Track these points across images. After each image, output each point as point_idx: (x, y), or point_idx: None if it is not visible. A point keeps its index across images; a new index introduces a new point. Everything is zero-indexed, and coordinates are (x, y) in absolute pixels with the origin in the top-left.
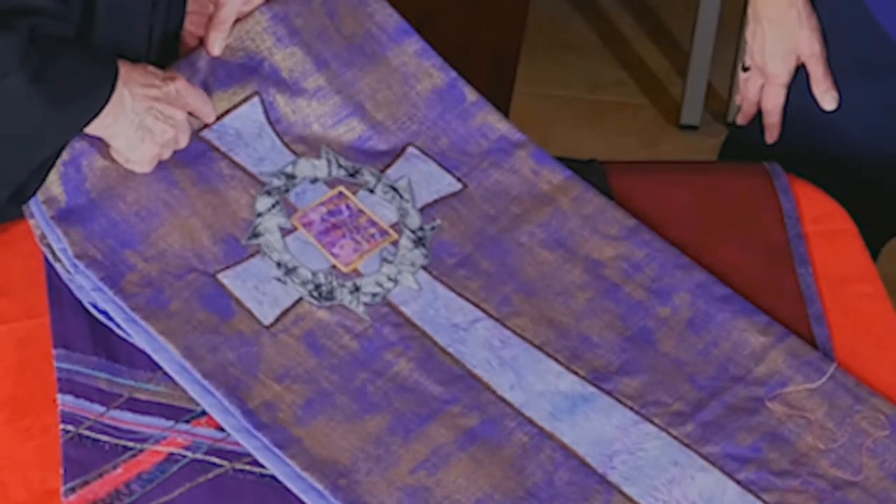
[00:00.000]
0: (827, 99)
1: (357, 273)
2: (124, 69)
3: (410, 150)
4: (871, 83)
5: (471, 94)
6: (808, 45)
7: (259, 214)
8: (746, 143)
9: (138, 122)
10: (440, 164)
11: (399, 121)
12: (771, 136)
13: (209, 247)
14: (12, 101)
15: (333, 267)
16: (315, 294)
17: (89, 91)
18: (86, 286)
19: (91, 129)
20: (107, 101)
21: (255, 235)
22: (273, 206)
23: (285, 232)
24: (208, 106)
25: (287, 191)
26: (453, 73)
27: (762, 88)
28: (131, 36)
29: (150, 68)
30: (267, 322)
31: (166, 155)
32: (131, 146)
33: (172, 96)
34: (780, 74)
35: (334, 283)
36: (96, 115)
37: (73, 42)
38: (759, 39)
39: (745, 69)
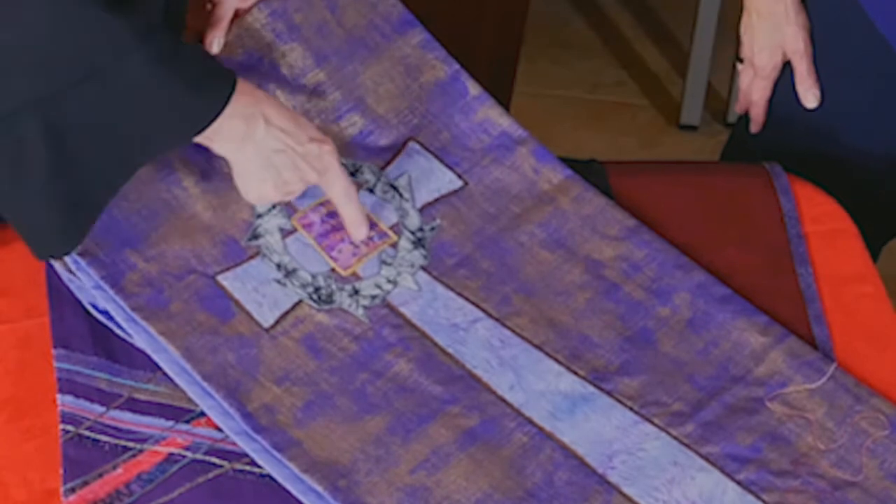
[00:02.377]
0: (809, 97)
1: (356, 276)
2: (263, 101)
3: (411, 144)
4: (866, 82)
5: (473, 88)
6: (793, 41)
7: (259, 216)
8: (748, 144)
9: (266, 159)
10: (441, 160)
11: (401, 114)
12: (755, 125)
13: (209, 248)
14: (131, 84)
15: (332, 270)
16: (315, 297)
17: (212, 85)
18: (87, 284)
19: (217, 147)
20: (227, 101)
21: (255, 237)
22: (273, 206)
23: (285, 233)
24: (350, 206)
25: None
26: (456, 66)
27: (752, 81)
28: None
29: (304, 120)
30: (266, 324)
31: (278, 200)
32: (251, 180)
33: (312, 155)
34: (766, 67)
35: (333, 287)
36: (219, 112)
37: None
38: (749, 32)
39: (741, 61)
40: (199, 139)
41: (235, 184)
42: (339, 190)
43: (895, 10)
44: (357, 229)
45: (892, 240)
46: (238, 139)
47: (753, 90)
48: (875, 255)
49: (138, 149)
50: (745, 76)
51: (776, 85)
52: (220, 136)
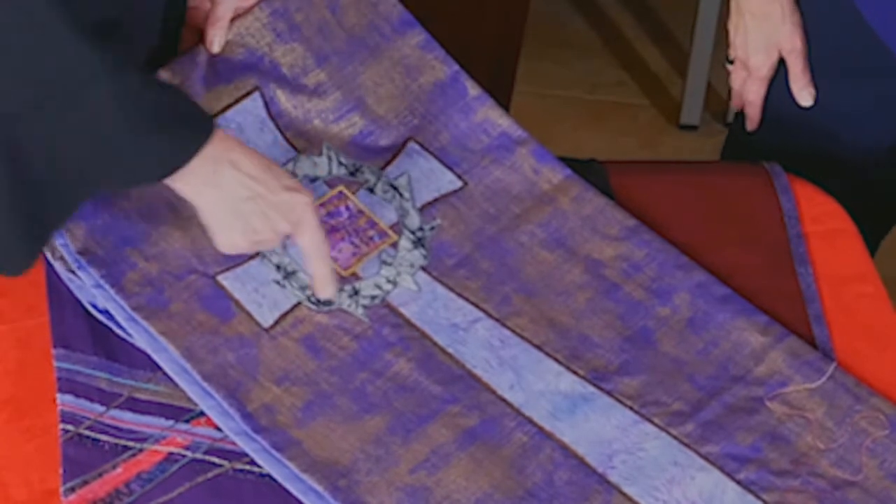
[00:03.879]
0: (804, 95)
1: (356, 276)
2: (233, 147)
3: (411, 144)
4: (863, 80)
5: (472, 89)
6: (789, 40)
7: None
8: (747, 143)
9: (234, 206)
10: (441, 161)
11: (400, 115)
12: (751, 126)
13: (209, 248)
14: (93, 115)
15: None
16: (313, 300)
17: (184, 131)
18: (87, 283)
19: (179, 187)
20: (196, 151)
21: None
22: None
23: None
24: (321, 262)
25: None
26: (456, 67)
27: (745, 81)
28: (142, 33)
29: (278, 170)
30: (266, 325)
31: (250, 250)
32: (219, 226)
33: (283, 206)
34: (762, 67)
35: None
36: (177, 164)
37: (169, 85)
38: (741, 33)
39: (730, 62)
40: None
41: (205, 231)
42: (309, 244)
43: (886, 6)
44: (324, 288)
45: (887, 235)
46: (200, 183)
47: (749, 91)
48: (872, 253)
49: (98, 179)
50: (738, 77)
51: (771, 84)
52: (183, 178)
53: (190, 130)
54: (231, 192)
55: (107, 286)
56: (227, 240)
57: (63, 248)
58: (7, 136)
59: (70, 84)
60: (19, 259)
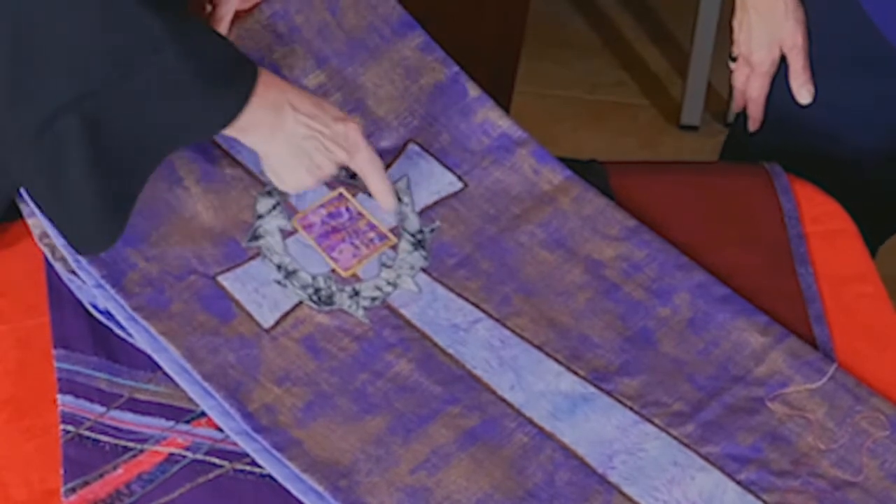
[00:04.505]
0: (803, 92)
1: (356, 278)
2: (287, 89)
3: (411, 146)
4: (865, 79)
5: (472, 90)
6: (791, 36)
7: (259, 216)
8: (746, 143)
9: (297, 146)
10: (441, 162)
11: (400, 116)
12: (753, 125)
13: (210, 249)
14: (166, 78)
15: (333, 271)
16: (315, 298)
17: (238, 75)
18: (87, 283)
19: (249, 139)
20: (252, 90)
21: (256, 237)
22: (273, 207)
23: (285, 234)
24: (378, 176)
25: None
26: (455, 68)
27: (748, 78)
28: None
29: (326, 104)
30: (267, 325)
31: (315, 186)
32: (286, 169)
33: (339, 136)
34: (764, 64)
35: (334, 288)
36: (245, 102)
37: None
38: (745, 29)
39: (733, 59)
40: (231, 132)
41: (268, 175)
42: (366, 164)
43: (890, 4)
44: (385, 199)
45: (889, 238)
46: (269, 130)
47: (751, 87)
48: (873, 253)
49: (170, 139)
50: (740, 74)
51: (772, 84)
52: (252, 128)
53: (243, 73)
54: (294, 134)
55: (107, 286)
56: (295, 180)
57: (64, 248)
58: (87, 120)
59: (142, 52)
60: (106, 236)
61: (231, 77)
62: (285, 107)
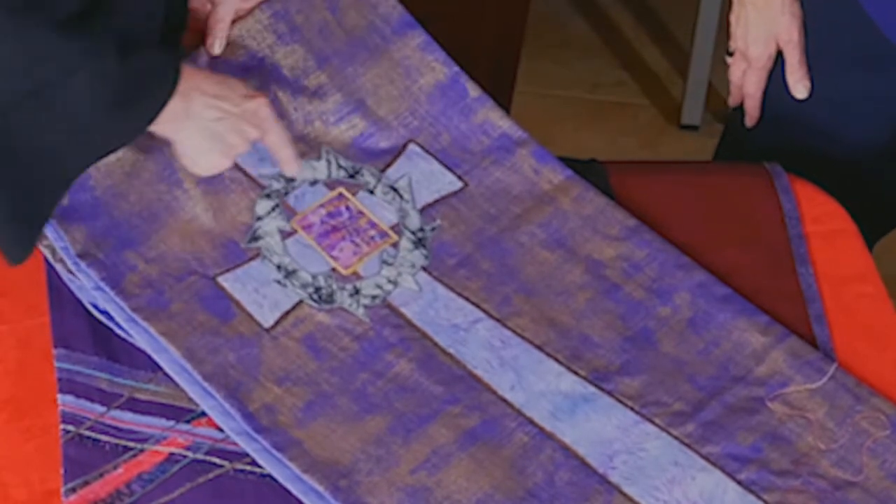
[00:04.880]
0: (799, 88)
1: (357, 276)
2: (193, 75)
3: (411, 147)
4: (861, 75)
5: (473, 90)
6: (787, 31)
7: (259, 218)
8: (743, 141)
9: (209, 129)
10: (441, 162)
11: (401, 116)
12: (750, 120)
13: (209, 250)
14: (76, 100)
15: (333, 269)
16: (315, 297)
17: (151, 94)
18: (87, 285)
19: (159, 129)
20: (162, 106)
21: (255, 239)
22: (273, 209)
23: (285, 235)
24: (288, 148)
25: (286, 193)
26: (456, 68)
27: (745, 73)
28: (143, 36)
29: (232, 81)
30: (267, 325)
31: (228, 165)
32: (199, 152)
33: (249, 113)
34: (761, 58)
35: (334, 286)
36: (153, 119)
37: (140, 42)
38: (742, 23)
39: (730, 54)
40: None
41: (182, 162)
42: (276, 139)
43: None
44: (290, 166)
45: (887, 235)
46: (179, 119)
47: (748, 82)
48: (869, 248)
49: (84, 158)
50: (737, 69)
51: (768, 80)
52: (163, 122)
53: (160, 85)
54: (204, 117)
55: (107, 288)
56: (209, 163)
57: (63, 251)
58: None
59: (51, 75)
60: (18, 249)
61: (148, 85)
62: (192, 93)
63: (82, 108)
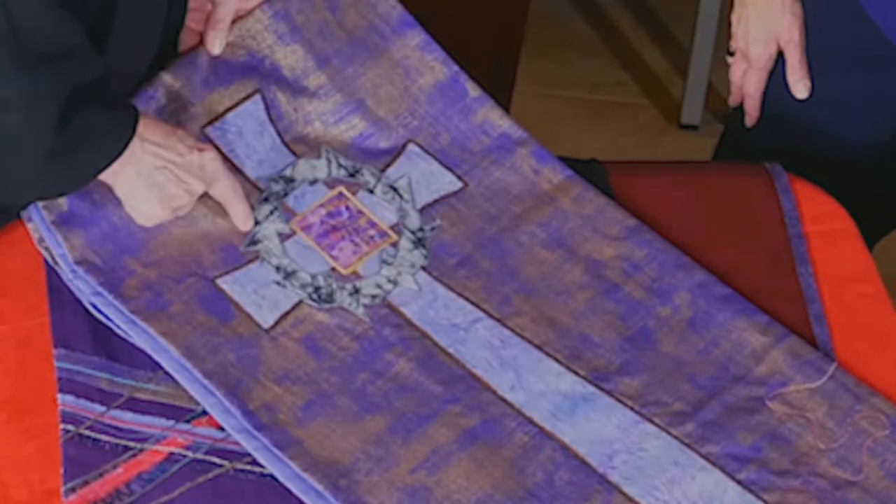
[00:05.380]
0: (799, 88)
1: (356, 275)
2: (141, 124)
3: (411, 147)
4: (862, 75)
5: (472, 90)
6: (787, 31)
7: (257, 222)
8: (743, 140)
9: (148, 177)
10: (441, 162)
11: (400, 117)
12: (750, 120)
13: (208, 254)
14: (13, 137)
15: (333, 269)
16: (315, 297)
17: (94, 152)
18: (85, 291)
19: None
20: (105, 166)
21: (254, 242)
22: (271, 212)
23: (284, 237)
24: (239, 204)
25: (285, 195)
26: (455, 68)
27: (745, 73)
28: (144, 34)
29: (181, 132)
30: (266, 325)
31: (170, 217)
32: (137, 200)
33: (194, 166)
34: (761, 58)
35: (334, 286)
36: (93, 175)
37: (98, 89)
38: (743, 23)
39: (731, 54)
40: None
41: (125, 208)
42: (225, 193)
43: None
44: (241, 222)
45: (887, 235)
46: (118, 163)
47: (748, 82)
48: (869, 249)
49: (18, 193)
50: (738, 68)
51: (769, 80)
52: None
53: (105, 146)
54: (144, 164)
55: (105, 293)
56: (147, 211)
57: (61, 258)
58: None
59: None
60: None
61: (85, 150)
62: (134, 141)
63: (14, 144)
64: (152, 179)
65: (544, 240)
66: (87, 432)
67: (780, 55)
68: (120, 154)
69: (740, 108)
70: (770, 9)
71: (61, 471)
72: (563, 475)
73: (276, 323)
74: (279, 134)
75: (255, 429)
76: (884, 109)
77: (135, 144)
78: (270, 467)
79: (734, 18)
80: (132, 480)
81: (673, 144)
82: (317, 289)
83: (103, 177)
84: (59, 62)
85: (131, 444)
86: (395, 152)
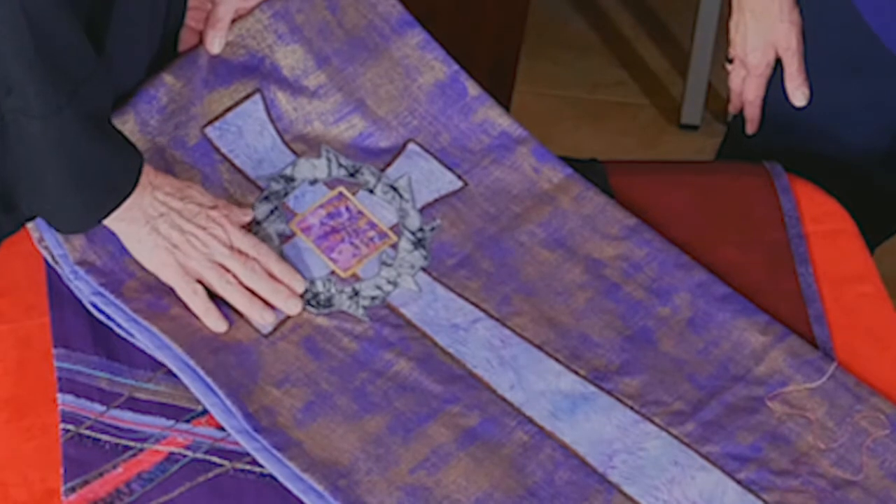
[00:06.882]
0: (798, 95)
1: (356, 277)
2: (152, 174)
3: (411, 146)
4: (860, 81)
5: (472, 89)
6: (785, 39)
7: (257, 223)
8: (744, 143)
9: (152, 225)
10: (441, 161)
11: (400, 116)
12: (751, 127)
13: None
14: (30, 142)
15: (332, 272)
16: (314, 303)
17: (112, 182)
18: (85, 291)
19: (108, 223)
20: (126, 198)
21: None
22: (271, 212)
23: (284, 239)
24: (273, 258)
25: (286, 194)
26: (455, 67)
27: (744, 80)
28: (144, 33)
29: (195, 185)
30: (265, 331)
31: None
32: (145, 250)
33: (204, 219)
34: (759, 66)
35: (333, 290)
36: (112, 210)
37: (106, 127)
38: (741, 31)
39: (730, 61)
40: None
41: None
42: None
43: (885, 6)
44: (295, 283)
45: (889, 238)
46: (124, 212)
47: (748, 89)
48: (870, 253)
49: (30, 205)
50: (737, 76)
51: (769, 84)
52: (109, 221)
53: (119, 184)
54: (149, 211)
55: (106, 293)
56: (158, 263)
57: (62, 258)
58: None
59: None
60: None
61: (105, 179)
62: (146, 188)
63: (37, 148)
64: (156, 226)
65: (544, 239)
66: (87, 432)
67: (779, 61)
68: (125, 199)
69: (741, 114)
70: (768, 16)
71: (61, 470)
72: (563, 475)
73: (275, 328)
74: (279, 133)
75: (254, 430)
76: (883, 114)
77: (144, 195)
78: (270, 468)
79: (732, 25)
80: (132, 480)
81: (673, 144)
82: (315, 294)
83: (110, 224)
84: (82, 85)
85: (131, 443)
86: (395, 152)
